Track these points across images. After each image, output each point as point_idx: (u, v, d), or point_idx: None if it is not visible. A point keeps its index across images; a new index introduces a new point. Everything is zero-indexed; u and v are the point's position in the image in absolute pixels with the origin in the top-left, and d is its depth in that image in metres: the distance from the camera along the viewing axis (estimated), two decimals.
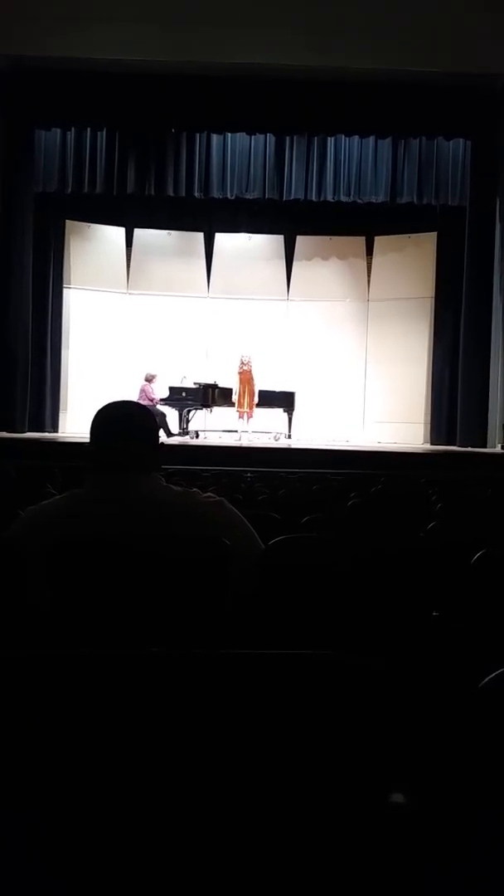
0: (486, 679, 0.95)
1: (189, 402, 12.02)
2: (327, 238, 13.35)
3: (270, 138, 12.02)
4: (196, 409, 12.16)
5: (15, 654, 0.90)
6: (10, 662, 0.89)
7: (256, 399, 11.92)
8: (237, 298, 13.25)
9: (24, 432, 11.54)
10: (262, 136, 12.01)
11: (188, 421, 12.17)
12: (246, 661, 0.91)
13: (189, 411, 12.14)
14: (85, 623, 1.65)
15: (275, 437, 12.18)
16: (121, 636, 1.61)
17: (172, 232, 13.35)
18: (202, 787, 0.90)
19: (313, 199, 12.05)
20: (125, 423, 1.96)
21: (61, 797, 0.90)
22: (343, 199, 12.06)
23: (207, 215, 13.16)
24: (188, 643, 1.34)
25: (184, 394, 11.97)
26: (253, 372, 11.95)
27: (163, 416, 11.43)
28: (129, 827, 0.90)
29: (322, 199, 12.05)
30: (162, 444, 2.01)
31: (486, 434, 11.58)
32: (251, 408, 11.87)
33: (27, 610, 1.70)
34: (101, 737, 0.89)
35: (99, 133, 11.88)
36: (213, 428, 12.45)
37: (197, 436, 12.21)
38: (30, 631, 1.68)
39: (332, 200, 12.09)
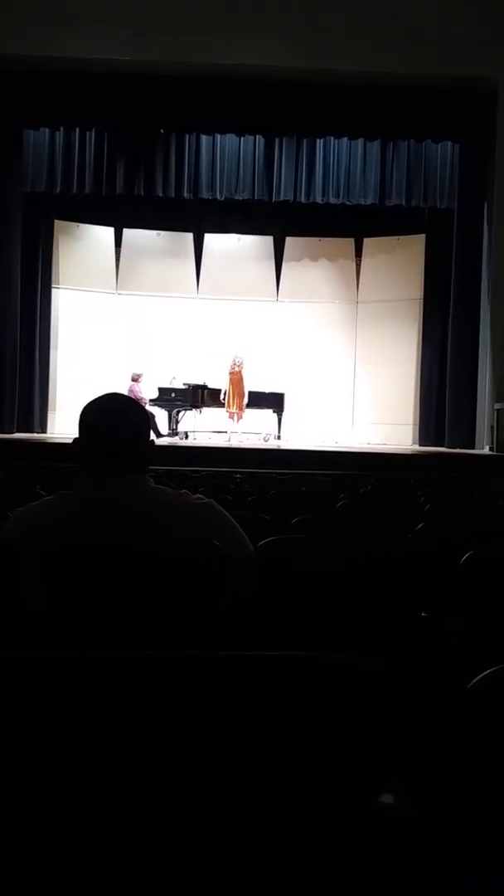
0: (475, 679, 0.95)
1: (178, 403, 12.02)
2: (316, 239, 13.38)
3: (260, 140, 12.04)
4: (185, 409, 12.15)
5: (11, 655, 0.90)
6: (5, 663, 0.89)
7: (246, 400, 11.92)
8: (226, 299, 13.25)
9: (13, 433, 11.50)
10: (251, 138, 12.03)
11: (177, 422, 12.16)
12: (240, 662, 0.91)
13: (178, 412, 12.14)
14: (81, 625, 1.65)
15: (264, 438, 12.19)
16: (117, 638, 1.61)
17: (162, 232, 13.34)
18: (199, 788, 0.90)
19: (303, 200, 12.09)
20: (118, 419, 1.91)
21: (58, 798, 0.90)
22: (332, 200, 12.10)
23: (197, 216, 13.16)
24: (184, 644, 1.34)
25: (173, 394, 11.97)
26: (244, 373, 11.95)
27: (152, 416, 11.40)
28: (125, 829, 0.90)
29: (311, 200, 12.08)
30: (151, 443, 1.99)
31: (474, 435, 11.63)
32: (241, 409, 11.87)
33: (23, 611, 1.70)
34: (97, 738, 0.89)
35: (88, 133, 11.87)
36: (203, 429, 12.45)
37: (186, 437, 12.20)
38: (25, 632, 1.67)
39: (321, 202, 12.13)
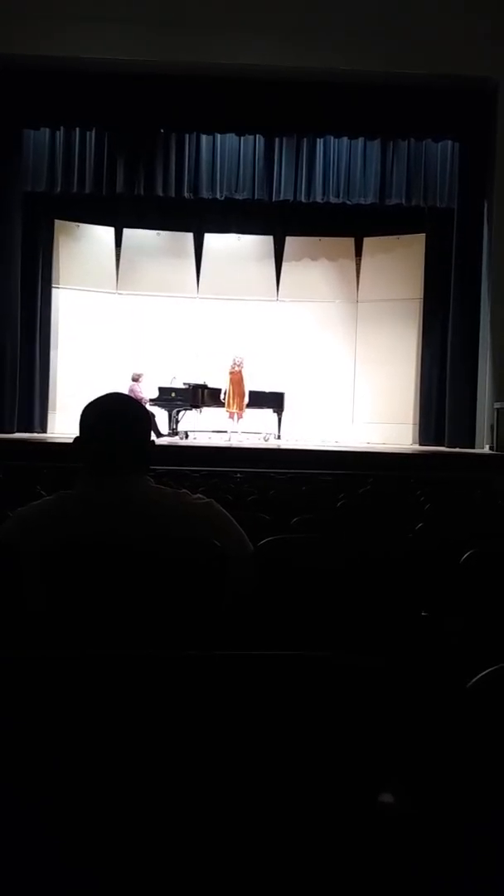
0: (475, 679, 0.95)
1: (178, 403, 12.02)
2: (316, 239, 13.38)
3: (260, 139, 12.04)
4: (185, 409, 12.16)
5: (11, 655, 0.90)
6: (5, 663, 0.89)
7: (247, 400, 11.92)
8: (227, 299, 13.25)
9: (13, 433, 11.51)
10: (251, 137, 12.03)
11: (177, 421, 12.16)
12: (240, 662, 0.91)
13: (178, 412, 12.14)
14: (81, 625, 1.65)
15: (264, 437, 12.19)
16: (117, 638, 1.61)
17: (162, 232, 13.34)
18: (200, 788, 0.90)
19: (303, 200, 12.09)
20: (119, 419, 1.91)
21: (58, 798, 0.90)
22: (332, 200, 12.10)
23: (197, 216, 13.16)
24: (184, 644, 1.34)
25: (173, 394, 11.97)
26: (244, 373, 11.96)
27: (152, 416, 11.41)
28: (125, 829, 0.90)
29: (311, 200, 12.08)
30: (152, 443, 1.98)
31: (474, 434, 11.63)
32: (241, 409, 11.88)
33: (23, 611, 1.70)
34: (97, 738, 0.89)
35: (88, 133, 11.87)
36: (203, 428, 12.45)
37: (186, 436, 12.20)
38: (25, 632, 1.67)
39: (321, 201, 12.12)
